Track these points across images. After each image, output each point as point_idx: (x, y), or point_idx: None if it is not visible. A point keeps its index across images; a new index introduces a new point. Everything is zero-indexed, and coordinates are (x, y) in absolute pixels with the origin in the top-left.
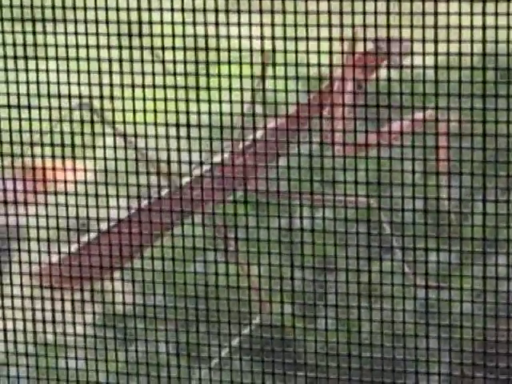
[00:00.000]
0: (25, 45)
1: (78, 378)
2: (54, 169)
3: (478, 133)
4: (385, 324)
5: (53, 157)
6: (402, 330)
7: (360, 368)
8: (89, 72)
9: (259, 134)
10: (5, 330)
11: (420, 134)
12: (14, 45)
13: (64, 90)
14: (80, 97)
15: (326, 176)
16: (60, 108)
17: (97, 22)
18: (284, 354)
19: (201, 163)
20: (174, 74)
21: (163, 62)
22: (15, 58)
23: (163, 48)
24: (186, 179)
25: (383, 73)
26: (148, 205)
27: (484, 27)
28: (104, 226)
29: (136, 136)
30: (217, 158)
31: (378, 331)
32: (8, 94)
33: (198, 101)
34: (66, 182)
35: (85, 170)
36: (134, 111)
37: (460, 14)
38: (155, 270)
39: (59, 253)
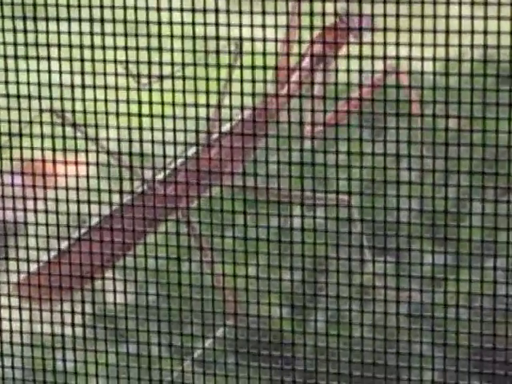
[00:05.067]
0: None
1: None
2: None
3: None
4: (377, 328)
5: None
6: (395, 334)
7: (350, 374)
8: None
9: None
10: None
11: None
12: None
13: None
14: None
15: (317, 173)
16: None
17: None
18: (271, 359)
19: (186, 157)
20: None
21: (138, 76)
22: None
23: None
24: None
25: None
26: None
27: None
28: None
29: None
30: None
31: (369, 336)
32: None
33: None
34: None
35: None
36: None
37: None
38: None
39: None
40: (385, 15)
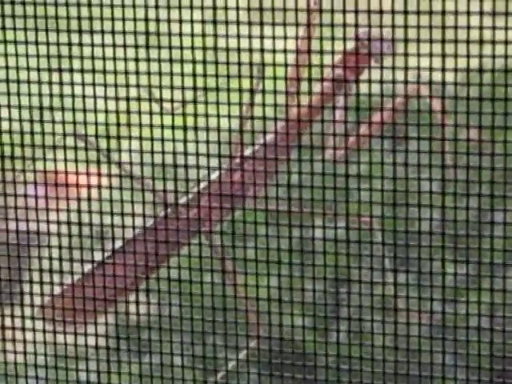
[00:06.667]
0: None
1: None
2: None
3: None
4: (399, 338)
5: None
6: (417, 344)
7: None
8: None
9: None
10: (24, 341)
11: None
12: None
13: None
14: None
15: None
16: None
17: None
18: (293, 368)
19: (209, 181)
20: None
21: (161, 100)
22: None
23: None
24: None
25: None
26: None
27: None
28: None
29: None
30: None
31: (391, 345)
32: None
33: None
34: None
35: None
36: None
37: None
38: (171, 279)
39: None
40: (406, 40)
